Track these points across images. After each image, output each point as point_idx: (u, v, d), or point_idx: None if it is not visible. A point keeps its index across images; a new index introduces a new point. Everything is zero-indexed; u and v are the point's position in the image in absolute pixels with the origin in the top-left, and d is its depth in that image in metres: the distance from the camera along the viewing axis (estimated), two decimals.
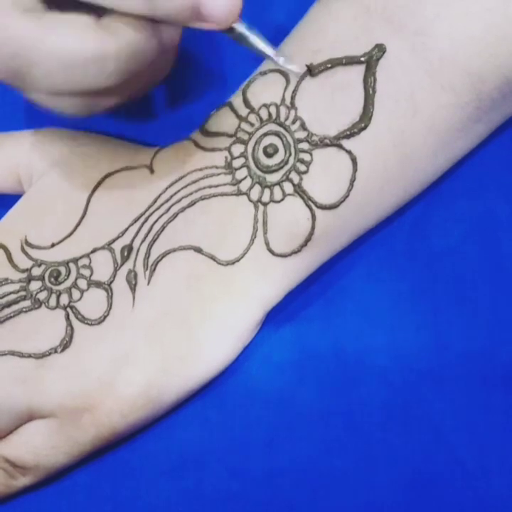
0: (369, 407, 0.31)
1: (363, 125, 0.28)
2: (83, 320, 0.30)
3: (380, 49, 0.28)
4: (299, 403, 0.32)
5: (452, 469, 0.30)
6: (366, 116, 0.28)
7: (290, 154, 0.29)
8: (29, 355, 0.30)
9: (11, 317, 0.30)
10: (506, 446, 0.31)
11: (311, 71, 0.29)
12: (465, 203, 0.33)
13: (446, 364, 0.31)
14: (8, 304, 0.31)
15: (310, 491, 0.31)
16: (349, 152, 0.29)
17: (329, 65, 0.29)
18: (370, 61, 0.28)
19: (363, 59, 0.28)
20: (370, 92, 0.28)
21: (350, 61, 0.29)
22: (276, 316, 0.32)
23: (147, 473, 0.32)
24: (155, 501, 0.31)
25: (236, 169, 0.30)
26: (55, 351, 0.30)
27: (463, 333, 0.31)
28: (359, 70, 0.29)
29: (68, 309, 0.30)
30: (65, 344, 0.30)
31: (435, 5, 0.28)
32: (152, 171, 0.31)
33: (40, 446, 0.30)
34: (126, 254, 0.30)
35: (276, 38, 0.31)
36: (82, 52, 0.24)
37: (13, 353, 0.30)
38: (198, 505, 0.31)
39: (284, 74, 0.30)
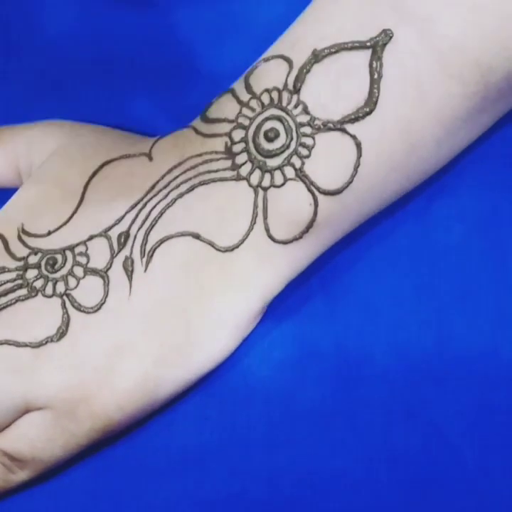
0: (370, 405, 0.31)
1: (367, 110, 0.28)
2: (79, 308, 0.29)
3: (387, 34, 0.28)
4: (299, 401, 0.31)
5: (454, 469, 0.30)
6: (371, 100, 0.28)
7: (292, 138, 0.29)
8: (25, 345, 0.29)
9: (7, 306, 0.30)
10: (508, 447, 0.30)
11: (316, 56, 0.28)
12: (468, 200, 0.32)
13: (448, 362, 0.31)
14: (5, 293, 0.30)
15: (310, 489, 0.30)
16: (353, 137, 0.28)
17: (334, 50, 0.28)
18: (376, 46, 0.28)
19: (368, 44, 0.28)
20: (376, 76, 0.28)
21: (356, 46, 0.28)
22: (276, 313, 0.31)
23: (146, 472, 0.31)
24: (154, 500, 0.31)
25: (236, 154, 0.29)
26: (52, 340, 0.29)
27: (466, 332, 0.31)
28: (365, 55, 0.28)
29: (64, 297, 0.30)
30: (62, 333, 0.29)
31: None
32: (150, 159, 0.31)
33: (36, 439, 0.29)
34: (123, 240, 0.30)
35: (278, 30, 0.31)
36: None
37: (8, 343, 0.29)
38: (197, 504, 0.31)
39: (287, 59, 0.29)
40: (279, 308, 0.31)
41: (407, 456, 0.30)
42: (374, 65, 0.28)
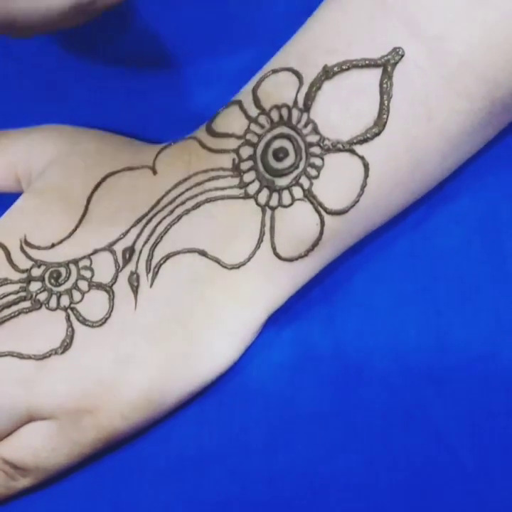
0: (370, 409, 0.31)
1: (376, 131, 0.28)
2: (84, 322, 0.29)
3: (398, 53, 0.27)
4: (299, 405, 0.31)
5: (453, 472, 0.30)
6: (381, 121, 0.28)
7: (301, 158, 0.28)
8: (29, 357, 0.29)
9: (10, 318, 0.30)
10: (508, 450, 0.30)
11: (327, 72, 0.28)
12: (468, 204, 0.32)
13: (448, 366, 0.31)
14: (8, 305, 0.30)
15: (310, 493, 0.31)
16: (362, 158, 0.28)
17: (345, 67, 0.28)
18: (387, 65, 0.27)
19: (379, 62, 0.28)
20: (386, 97, 0.27)
21: (367, 64, 0.28)
22: (277, 317, 0.31)
23: (146, 475, 0.31)
24: (154, 503, 0.31)
25: (244, 172, 0.29)
26: (56, 353, 0.29)
27: (465, 336, 0.31)
28: (375, 73, 0.28)
29: (69, 311, 0.30)
30: (66, 346, 0.29)
31: (454, 9, 0.27)
32: (155, 172, 0.31)
33: (40, 448, 0.30)
34: (127, 256, 0.30)
35: (279, 30, 0.31)
36: None
37: (12, 354, 0.29)
38: (197, 507, 0.31)
39: (297, 74, 0.29)
40: (279, 311, 0.31)
41: (406, 459, 0.30)
42: (384, 85, 0.27)
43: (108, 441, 0.30)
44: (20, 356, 0.29)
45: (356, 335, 0.31)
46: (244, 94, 0.30)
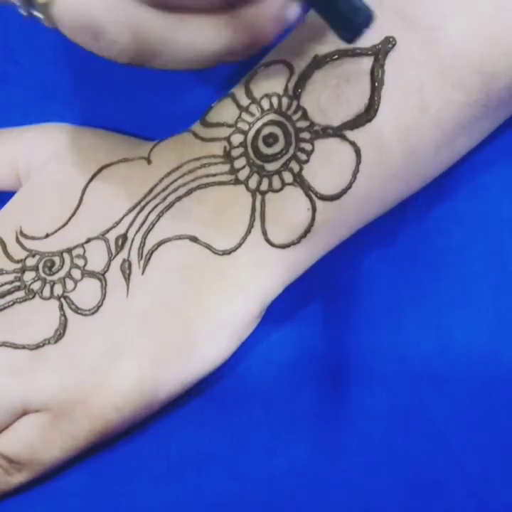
0: (370, 409, 0.31)
1: (368, 117, 0.28)
2: (77, 310, 0.29)
3: (389, 41, 0.28)
4: (299, 405, 0.31)
5: (454, 473, 0.30)
6: (372, 108, 0.28)
7: (290, 143, 0.29)
8: (23, 347, 0.29)
9: (4, 308, 0.30)
10: (508, 450, 0.30)
11: (318, 62, 0.28)
12: (468, 203, 0.32)
13: (448, 366, 0.31)
14: (3, 295, 0.30)
15: (310, 493, 0.30)
16: (352, 143, 0.28)
17: (336, 56, 0.28)
18: (379, 53, 0.28)
19: (370, 51, 0.28)
20: (377, 84, 0.28)
21: (358, 53, 0.28)
22: (276, 316, 0.31)
23: (145, 475, 0.31)
24: (153, 504, 0.31)
25: (234, 158, 0.29)
26: (49, 342, 0.29)
27: (465, 335, 0.31)
28: (367, 62, 0.28)
29: (62, 299, 0.30)
30: (59, 335, 0.29)
31: (450, 2, 0.27)
32: (149, 162, 0.31)
33: (34, 441, 0.29)
34: (120, 243, 0.30)
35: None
36: (208, 51, 0.23)
37: (6, 345, 0.29)
38: (197, 508, 0.31)
39: (288, 65, 0.29)
40: (278, 311, 0.31)
41: (406, 459, 0.30)
42: (376, 72, 0.28)
43: (102, 434, 0.29)
44: (15, 346, 0.29)
45: (356, 334, 0.31)
46: (238, 88, 0.31)
